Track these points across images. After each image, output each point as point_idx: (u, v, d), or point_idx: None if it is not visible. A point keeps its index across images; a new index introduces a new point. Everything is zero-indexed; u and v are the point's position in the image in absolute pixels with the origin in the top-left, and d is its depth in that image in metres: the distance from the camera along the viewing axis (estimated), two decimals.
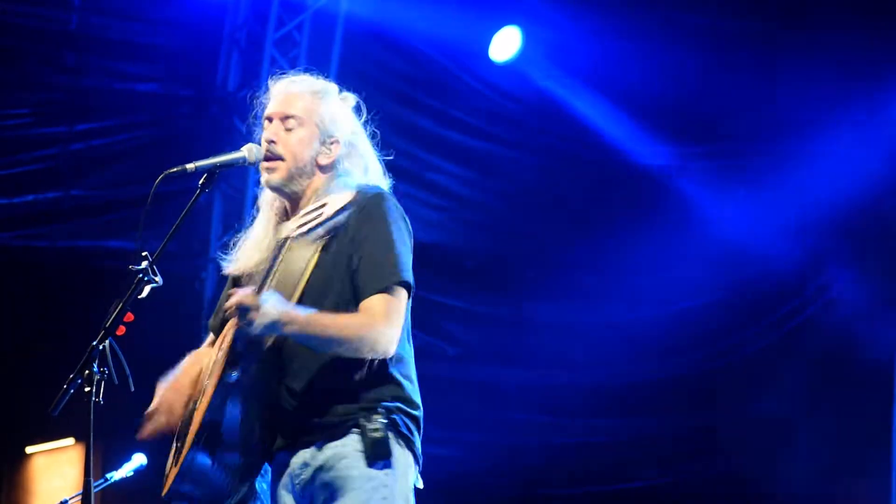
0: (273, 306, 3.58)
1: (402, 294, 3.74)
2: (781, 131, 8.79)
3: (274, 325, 3.60)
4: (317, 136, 3.90)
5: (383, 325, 3.68)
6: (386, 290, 3.70)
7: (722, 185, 9.02)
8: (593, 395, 9.28)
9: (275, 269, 3.81)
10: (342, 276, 3.75)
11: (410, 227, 3.90)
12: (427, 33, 8.96)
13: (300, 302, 3.73)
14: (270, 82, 4.00)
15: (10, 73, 8.70)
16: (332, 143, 3.91)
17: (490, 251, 9.41)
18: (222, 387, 3.69)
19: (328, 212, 3.76)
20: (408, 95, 9.16)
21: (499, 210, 9.48)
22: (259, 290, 3.71)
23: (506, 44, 9.07)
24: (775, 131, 8.83)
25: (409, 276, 3.75)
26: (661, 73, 8.80)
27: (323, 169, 3.91)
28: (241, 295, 3.59)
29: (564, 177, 9.29)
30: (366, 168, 3.96)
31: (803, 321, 9.06)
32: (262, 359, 3.71)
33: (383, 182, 4.00)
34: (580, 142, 9.27)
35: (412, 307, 3.87)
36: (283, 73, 4.03)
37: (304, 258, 3.78)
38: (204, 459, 3.69)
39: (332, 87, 4.02)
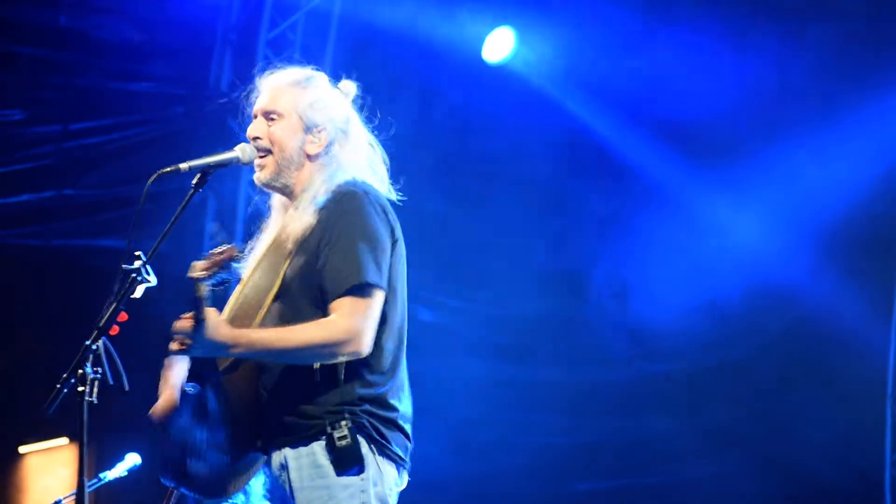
0: (213, 332, 3.57)
1: (368, 292, 3.68)
2: (772, 137, 8.81)
3: (215, 349, 3.61)
4: (301, 126, 3.87)
5: (346, 325, 3.64)
6: (348, 292, 3.66)
7: (710, 190, 9.02)
8: (591, 394, 9.29)
9: (247, 280, 3.85)
10: (314, 278, 3.73)
11: (392, 219, 3.83)
12: (420, 32, 8.96)
13: (270, 310, 3.75)
14: (258, 78, 3.98)
15: (3, 72, 8.69)
16: (318, 132, 3.88)
17: (476, 249, 9.40)
18: (184, 397, 3.76)
19: (303, 215, 3.78)
20: (401, 95, 9.14)
21: (485, 210, 9.47)
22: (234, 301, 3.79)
23: (499, 44, 9.07)
24: (766, 137, 8.84)
25: (370, 276, 3.67)
26: (655, 77, 8.82)
27: (312, 158, 3.88)
28: (179, 322, 3.60)
29: (554, 177, 9.30)
30: (361, 158, 3.91)
31: (794, 325, 9.06)
32: (227, 369, 3.72)
33: (376, 174, 3.94)
34: (569, 143, 9.28)
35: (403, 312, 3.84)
36: (273, 67, 3.99)
37: (276, 269, 3.79)
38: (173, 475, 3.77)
39: (319, 75, 3.98)
